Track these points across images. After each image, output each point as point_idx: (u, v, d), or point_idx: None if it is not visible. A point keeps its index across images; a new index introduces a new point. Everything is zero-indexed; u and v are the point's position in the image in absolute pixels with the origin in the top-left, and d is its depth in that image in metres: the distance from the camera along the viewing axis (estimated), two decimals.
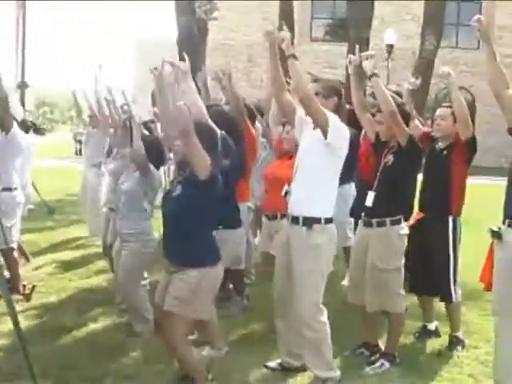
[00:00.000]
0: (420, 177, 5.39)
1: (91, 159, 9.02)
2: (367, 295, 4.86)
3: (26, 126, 8.36)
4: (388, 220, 4.82)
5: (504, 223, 4.12)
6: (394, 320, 4.93)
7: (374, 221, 4.86)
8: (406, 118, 4.92)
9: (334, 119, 4.33)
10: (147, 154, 5.34)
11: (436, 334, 5.57)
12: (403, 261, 4.92)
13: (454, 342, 5.33)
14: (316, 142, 4.34)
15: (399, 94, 5.89)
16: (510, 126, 4.14)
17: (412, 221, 5.37)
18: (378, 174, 4.93)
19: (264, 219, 6.34)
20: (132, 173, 5.54)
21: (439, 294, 5.38)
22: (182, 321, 4.10)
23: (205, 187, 4.02)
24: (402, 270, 4.93)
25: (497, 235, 4.13)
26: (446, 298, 5.34)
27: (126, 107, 6.13)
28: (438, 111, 5.36)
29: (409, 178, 4.99)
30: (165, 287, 4.21)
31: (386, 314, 4.99)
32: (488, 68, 4.08)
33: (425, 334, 5.56)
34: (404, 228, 4.89)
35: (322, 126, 4.29)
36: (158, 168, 5.58)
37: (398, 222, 4.85)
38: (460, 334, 5.39)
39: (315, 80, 4.65)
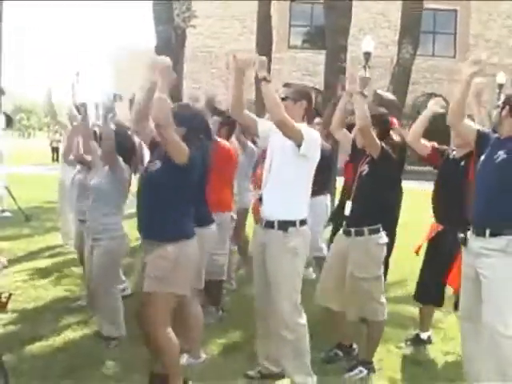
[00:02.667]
0: (428, 187, 5.35)
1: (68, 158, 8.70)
2: (347, 304, 4.87)
3: None
4: (366, 229, 4.80)
5: (472, 231, 4.21)
6: (373, 328, 4.91)
7: (353, 230, 4.85)
8: (387, 126, 4.97)
9: (307, 133, 4.33)
10: (117, 145, 5.28)
11: (427, 343, 5.56)
12: (382, 269, 4.92)
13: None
14: (288, 150, 4.35)
15: (395, 104, 5.99)
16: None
17: (431, 233, 5.40)
18: (355, 183, 4.94)
19: None
20: (101, 168, 5.49)
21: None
22: (163, 300, 4.01)
23: (182, 171, 4.01)
24: (382, 278, 4.92)
25: (463, 241, 4.27)
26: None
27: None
28: None
29: (385, 187, 4.91)
30: (142, 271, 4.14)
31: (365, 321, 4.97)
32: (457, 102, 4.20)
33: (416, 342, 5.56)
34: (383, 237, 4.87)
35: (296, 141, 4.30)
36: (128, 160, 5.46)
37: (376, 231, 4.83)
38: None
39: (286, 85, 4.67)
